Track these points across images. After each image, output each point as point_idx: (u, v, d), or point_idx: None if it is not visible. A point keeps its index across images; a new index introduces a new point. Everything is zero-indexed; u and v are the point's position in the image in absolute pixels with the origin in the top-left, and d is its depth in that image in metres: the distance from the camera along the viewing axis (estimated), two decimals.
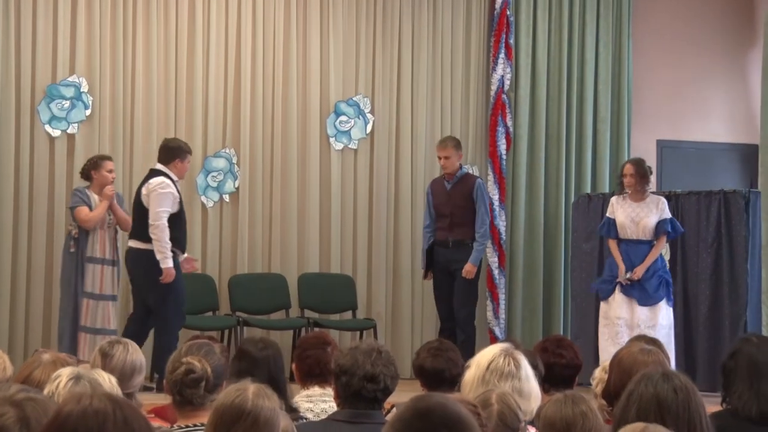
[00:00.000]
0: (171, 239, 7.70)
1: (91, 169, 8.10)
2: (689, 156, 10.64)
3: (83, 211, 8.02)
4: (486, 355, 3.71)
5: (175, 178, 7.87)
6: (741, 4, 10.85)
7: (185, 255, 8.02)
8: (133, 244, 7.86)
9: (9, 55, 8.68)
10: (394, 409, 3.22)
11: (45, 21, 8.79)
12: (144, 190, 7.81)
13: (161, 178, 7.79)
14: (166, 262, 7.68)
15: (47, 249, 8.68)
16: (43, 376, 3.44)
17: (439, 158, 8.92)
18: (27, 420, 2.37)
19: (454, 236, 8.77)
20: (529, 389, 3.67)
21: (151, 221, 7.69)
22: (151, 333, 7.96)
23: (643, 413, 2.81)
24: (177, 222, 7.81)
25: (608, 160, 10.25)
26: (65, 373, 3.13)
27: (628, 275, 8.00)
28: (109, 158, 8.23)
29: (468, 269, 8.66)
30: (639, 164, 8.20)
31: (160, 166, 7.90)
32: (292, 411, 4.13)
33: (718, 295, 8.66)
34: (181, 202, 7.91)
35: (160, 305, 7.79)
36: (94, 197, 8.07)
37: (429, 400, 2.35)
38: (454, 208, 8.79)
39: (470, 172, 9.37)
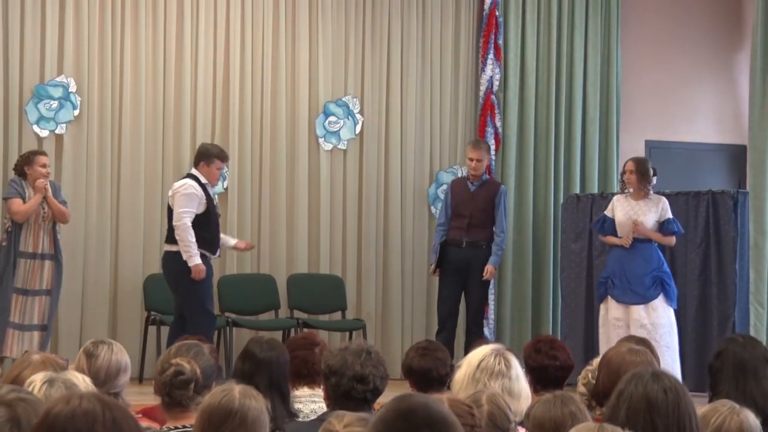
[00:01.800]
0: (198, 239, 7.68)
1: (24, 164, 7.96)
2: (677, 156, 10.65)
3: (15, 203, 7.85)
4: (477, 354, 3.73)
5: (203, 180, 7.87)
6: (728, 7, 10.88)
7: (216, 256, 8.02)
8: (165, 247, 7.93)
9: None
10: None
11: (33, 21, 8.76)
12: (170, 193, 7.89)
13: (185, 180, 7.84)
14: (193, 260, 7.67)
15: None
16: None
17: (471, 160, 8.91)
18: (18, 420, 2.36)
19: (470, 237, 8.80)
20: (519, 389, 3.68)
21: (173, 222, 7.72)
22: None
23: (633, 413, 2.81)
24: (205, 223, 7.78)
25: (597, 161, 10.26)
26: (38, 378, 3.09)
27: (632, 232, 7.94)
28: (42, 153, 8.14)
29: (491, 271, 8.81)
30: (640, 162, 8.18)
31: (192, 170, 7.97)
32: (292, 416, 4.12)
33: (706, 296, 8.66)
34: (209, 204, 7.86)
35: (182, 306, 7.81)
36: (31, 190, 7.91)
37: (411, 400, 2.34)
38: (474, 210, 8.82)
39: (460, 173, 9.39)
